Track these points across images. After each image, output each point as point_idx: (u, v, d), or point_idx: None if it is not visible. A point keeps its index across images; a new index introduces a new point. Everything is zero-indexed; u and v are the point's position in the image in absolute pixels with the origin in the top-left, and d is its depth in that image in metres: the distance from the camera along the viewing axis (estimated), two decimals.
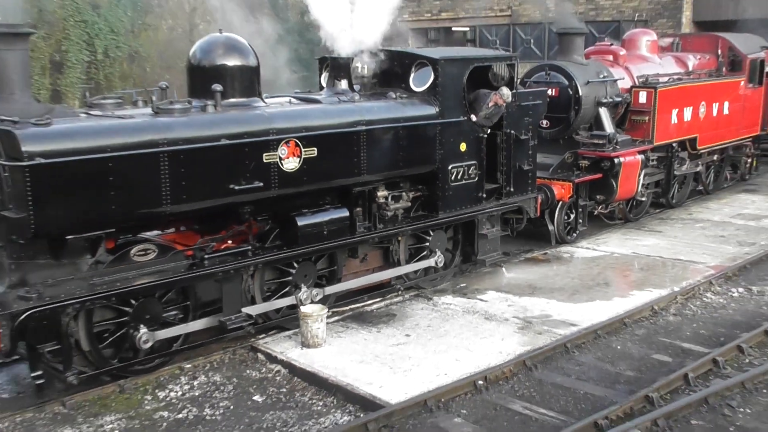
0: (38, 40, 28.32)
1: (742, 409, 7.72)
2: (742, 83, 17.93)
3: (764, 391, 8.15)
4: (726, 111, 17.33)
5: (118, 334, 8.59)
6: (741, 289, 11.63)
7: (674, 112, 15.59)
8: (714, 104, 16.82)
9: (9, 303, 7.70)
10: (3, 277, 7.98)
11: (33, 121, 7.62)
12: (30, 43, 8.48)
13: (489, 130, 11.70)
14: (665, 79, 16.00)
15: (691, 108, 16.08)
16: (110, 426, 7.81)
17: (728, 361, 8.83)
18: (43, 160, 7.46)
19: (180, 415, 8.05)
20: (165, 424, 7.88)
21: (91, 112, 8.58)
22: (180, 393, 8.55)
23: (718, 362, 8.70)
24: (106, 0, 32.72)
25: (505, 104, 11.74)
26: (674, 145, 16.08)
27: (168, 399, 8.41)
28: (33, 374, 8.11)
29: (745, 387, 8.11)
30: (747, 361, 8.90)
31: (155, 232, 9.38)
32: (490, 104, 11.62)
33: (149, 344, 8.63)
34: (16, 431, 7.74)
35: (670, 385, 8.15)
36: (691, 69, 17.36)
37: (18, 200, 7.48)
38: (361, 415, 7.83)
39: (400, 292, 11.35)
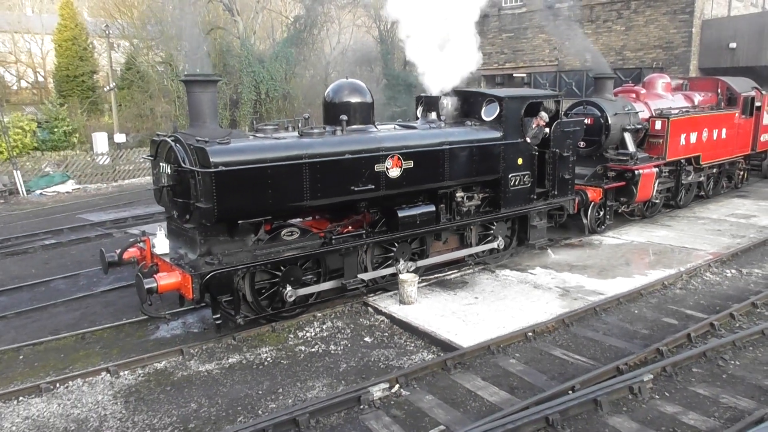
0: (222, 85, 29.32)
1: (732, 362, 7.55)
2: (737, 115, 17.00)
3: (750, 348, 7.93)
4: (724, 135, 16.46)
5: (272, 290, 8.79)
6: (733, 271, 11.01)
7: (683, 136, 14.89)
8: (714, 130, 15.99)
9: (199, 266, 7.99)
10: (195, 249, 8.23)
11: (218, 141, 7.87)
12: (217, 87, 8.65)
13: (538, 149, 11.44)
14: (676, 111, 15.37)
15: (696, 133, 15.33)
16: (265, 355, 8.02)
17: (722, 324, 8.61)
18: (224, 168, 7.68)
19: (313, 349, 8.19)
20: (302, 355, 8.03)
21: (257, 135, 8.76)
22: (313, 333, 8.69)
23: (715, 325, 8.51)
24: (268, 56, 33.64)
25: (545, 124, 11.47)
26: (682, 161, 15.38)
27: (305, 337, 8.57)
28: (214, 316, 8.41)
29: (736, 345, 7.93)
30: (737, 325, 8.66)
31: (298, 220, 9.58)
32: (534, 126, 11.37)
33: (293, 298, 8.80)
34: (202, 355, 8.07)
35: (676, 342, 7.97)
36: (696, 104, 16.62)
37: (206, 196, 7.69)
38: (442, 355, 7.82)
39: (471, 266, 11.22)
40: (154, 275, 8.00)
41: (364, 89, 9.80)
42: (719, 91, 17.40)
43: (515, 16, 26.52)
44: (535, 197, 11.54)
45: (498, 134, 10.68)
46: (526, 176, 11.21)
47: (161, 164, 8.53)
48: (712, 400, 6.59)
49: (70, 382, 7.27)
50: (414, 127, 10.27)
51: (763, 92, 18.67)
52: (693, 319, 8.85)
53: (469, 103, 11.18)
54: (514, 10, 26.62)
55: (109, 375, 7.48)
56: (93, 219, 17.06)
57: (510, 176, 10.95)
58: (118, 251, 8.92)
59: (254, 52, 32.92)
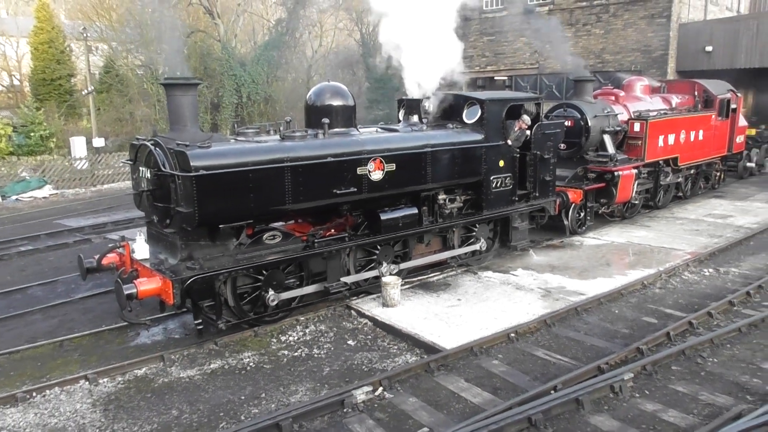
0: (203, 89, 29.21)
1: (710, 359, 7.63)
2: (713, 117, 17.27)
3: (728, 345, 8.03)
4: (701, 137, 16.70)
5: (254, 294, 8.73)
6: (711, 270, 11.15)
7: (661, 138, 15.08)
8: (691, 132, 16.21)
9: (180, 271, 7.92)
10: (176, 254, 8.15)
11: (198, 144, 7.79)
12: (197, 91, 8.57)
13: (519, 151, 11.51)
14: (654, 113, 15.56)
15: (674, 135, 15.53)
16: (248, 360, 7.96)
17: (701, 323, 8.70)
18: (204, 172, 7.60)
19: (296, 353, 8.14)
20: (285, 359, 7.98)
21: (238, 138, 8.72)
22: (296, 337, 8.64)
23: (693, 324, 8.59)
24: (249, 59, 33.49)
25: (527, 127, 11.53)
26: (660, 162, 15.57)
27: (288, 341, 8.52)
28: (195, 322, 8.38)
29: (713, 342, 8.02)
30: (715, 323, 8.76)
31: (280, 223, 9.51)
32: (516, 129, 11.43)
33: (275, 302, 8.75)
34: (183, 361, 7.98)
35: (655, 340, 8.04)
36: (674, 106, 16.84)
37: (187, 200, 7.61)
38: (425, 357, 7.81)
39: (454, 268, 11.24)
40: (134, 281, 7.89)
41: (346, 92, 9.79)
42: (696, 93, 17.66)
43: (496, 19, 26.68)
44: (517, 199, 11.60)
45: (480, 137, 10.72)
46: (508, 178, 11.26)
47: (141, 168, 8.43)
48: (691, 398, 6.65)
49: (48, 391, 7.14)
50: (396, 130, 10.27)
51: (738, 95, 18.97)
52: (672, 317, 8.94)
53: (450, 105, 11.21)
54: (494, 14, 26.77)
55: (87, 383, 7.35)
56: (71, 224, 16.83)
57: (492, 178, 11.00)
58: (96, 257, 8.80)
59: (235, 56, 32.84)
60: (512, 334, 8.30)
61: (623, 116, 14.96)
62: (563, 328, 8.68)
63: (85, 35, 28.00)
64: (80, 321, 9.60)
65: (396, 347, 8.26)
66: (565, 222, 13.44)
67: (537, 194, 11.93)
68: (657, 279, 10.61)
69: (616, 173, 13.81)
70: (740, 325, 8.40)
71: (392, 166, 9.51)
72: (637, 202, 15.28)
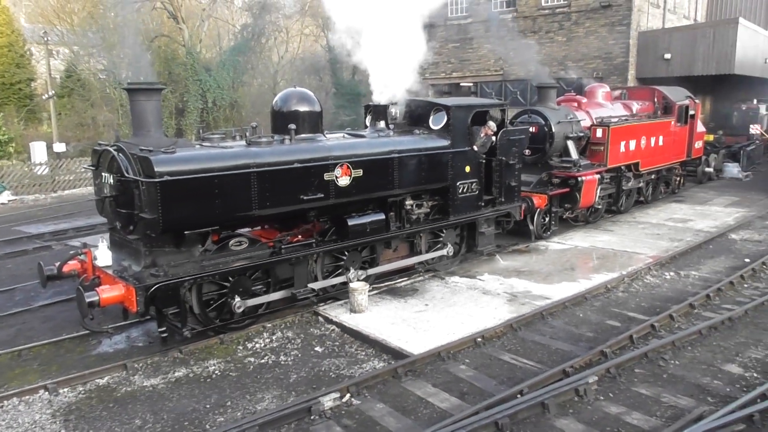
0: (167, 94, 28.79)
1: (672, 362, 7.73)
2: (672, 123, 17.70)
3: (689, 348, 8.15)
4: (661, 143, 17.09)
5: (220, 301, 8.64)
6: (672, 273, 11.41)
7: (622, 143, 15.39)
8: (652, 138, 16.59)
9: (144, 278, 7.78)
10: (139, 260, 8.01)
11: (162, 150, 7.69)
12: (161, 95, 8.45)
13: (485, 157, 11.62)
14: (616, 119, 15.89)
15: (635, 140, 15.87)
16: (213, 367, 7.86)
17: (662, 326, 8.81)
18: (169, 178, 7.51)
19: (263, 360, 8.08)
20: (252, 366, 7.90)
21: (204, 144, 8.62)
22: (263, 344, 8.57)
23: (655, 326, 8.70)
24: (215, 64, 33.15)
25: (492, 133, 11.66)
26: (622, 167, 15.89)
27: (254, 348, 8.44)
28: (159, 329, 8.23)
29: (675, 345, 8.13)
30: (676, 326, 8.89)
31: (247, 229, 9.43)
32: (482, 135, 11.55)
33: (242, 309, 8.67)
34: (147, 370, 7.84)
35: (619, 344, 8.12)
36: (635, 112, 17.23)
37: (151, 206, 7.51)
38: (393, 362, 7.81)
39: (421, 274, 11.27)
40: (96, 288, 7.73)
41: (313, 98, 9.76)
42: (656, 100, 18.10)
43: (461, 26, 26.93)
44: (483, 204, 11.70)
45: (446, 142, 10.79)
46: (474, 184, 11.36)
47: (104, 174, 8.28)
48: (654, 400, 6.75)
49: (5, 402, 6.93)
50: (363, 136, 10.28)
51: (696, 101, 19.47)
52: (635, 321, 9.09)
53: (417, 111, 11.28)
54: (459, 21, 27.02)
55: (47, 393, 7.15)
56: (31, 231, 16.39)
57: (458, 184, 11.07)
58: (57, 264, 8.60)
59: (200, 61, 32.47)
60: (479, 339, 8.35)
61: (586, 122, 15.23)
62: (529, 333, 8.77)
63: (45, 39, 27.36)
64: (40, 330, 9.36)
65: (364, 353, 8.25)
66: (531, 227, 13.60)
67: (503, 199, 12.06)
68: (620, 283, 10.80)
69: (579, 178, 14.03)
70: (701, 327, 8.55)
71: (359, 172, 9.51)
72: (600, 206, 15.56)
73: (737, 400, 6.44)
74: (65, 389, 7.29)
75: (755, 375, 7.32)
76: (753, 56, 24.54)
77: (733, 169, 23.09)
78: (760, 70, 25.62)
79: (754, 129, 26.09)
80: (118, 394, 7.21)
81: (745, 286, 10.62)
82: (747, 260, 12.07)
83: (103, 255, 8.48)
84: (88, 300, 7.49)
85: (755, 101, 27.44)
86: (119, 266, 8.42)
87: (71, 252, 8.87)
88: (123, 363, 7.86)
